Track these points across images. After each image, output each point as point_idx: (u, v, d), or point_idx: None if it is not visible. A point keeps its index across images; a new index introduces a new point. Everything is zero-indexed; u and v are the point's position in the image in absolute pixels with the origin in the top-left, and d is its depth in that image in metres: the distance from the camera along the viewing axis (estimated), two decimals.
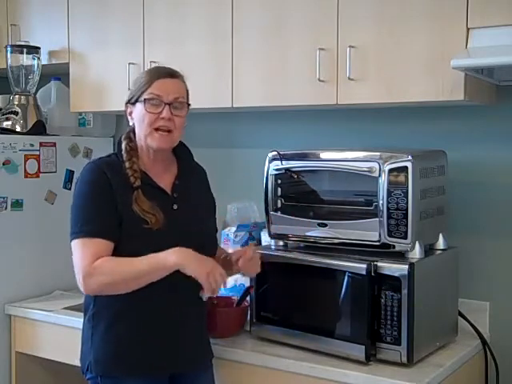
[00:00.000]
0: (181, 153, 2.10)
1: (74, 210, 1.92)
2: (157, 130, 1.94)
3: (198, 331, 2.06)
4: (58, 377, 2.90)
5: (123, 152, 1.98)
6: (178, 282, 1.89)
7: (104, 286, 1.85)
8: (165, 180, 2.01)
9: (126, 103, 2.00)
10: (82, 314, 2.03)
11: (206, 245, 2.01)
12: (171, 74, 1.99)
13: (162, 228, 1.91)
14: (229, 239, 2.60)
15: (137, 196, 1.92)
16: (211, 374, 2.11)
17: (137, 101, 1.95)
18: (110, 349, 1.94)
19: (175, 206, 1.99)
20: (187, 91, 2.04)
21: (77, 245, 1.87)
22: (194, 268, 1.84)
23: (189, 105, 2.02)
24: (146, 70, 2.02)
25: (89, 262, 1.83)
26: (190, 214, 2.01)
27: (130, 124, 2.00)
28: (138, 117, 1.95)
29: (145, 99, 1.93)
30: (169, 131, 1.95)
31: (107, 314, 1.94)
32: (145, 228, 1.90)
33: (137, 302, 1.89)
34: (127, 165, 1.95)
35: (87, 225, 1.88)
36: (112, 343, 1.94)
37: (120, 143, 2.00)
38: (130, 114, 1.99)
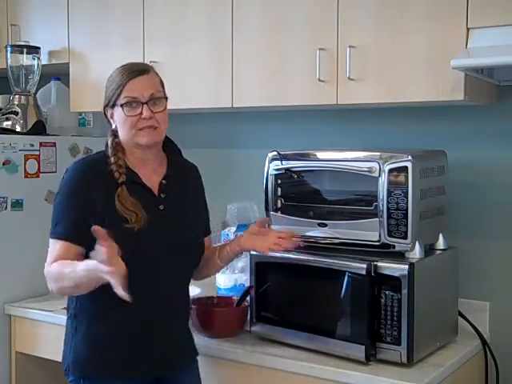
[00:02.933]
0: (169, 150, 2.05)
1: (55, 208, 1.94)
2: (141, 129, 1.91)
3: (181, 331, 2.03)
4: (58, 377, 2.88)
5: (109, 148, 1.95)
6: (159, 281, 1.89)
7: (55, 289, 1.86)
8: (153, 181, 1.97)
9: (105, 107, 1.97)
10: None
11: (191, 249, 2.00)
12: (142, 70, 1.93)
13: (144, 228, 1.86)
14: (229, 239, 2.60)
15: (120, 192, 1.88)
16: (196, 370, 2.08)
17: (114, 105, 1.92)
18: (90, 350, 1.90)
19: (161, 207, 1.95)
20: (162, 83, 1.99)
21: (51, 245, 1.90)
22: (94, 273, 1.73)
23: (166, 98, 1.97)
24: (116, 69, 1.96)
25: (47, 264, 1.87)
26: (176, 215, 1.97)
27: (113, 127, 1.97)
28: (120, 120, 1.93)
29: (121, 104, 1.90)
30: (154, 128, 1.92)
31: (87, 314, 1.91)
32: (125, 227, 1.85)
33: (117, 301, 1.65)
34: (112, 160, 1.92)
35: (56, 226, 1.90)
36: (91, 344, 1.90)
37: (107, 140, 1.98)
38: (112, 116, 1.96)
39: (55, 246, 1.87)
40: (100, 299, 1.83)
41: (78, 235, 1.85)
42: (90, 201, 1.86)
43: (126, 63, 1.97)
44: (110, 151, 1.95)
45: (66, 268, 1.80)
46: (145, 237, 1.87)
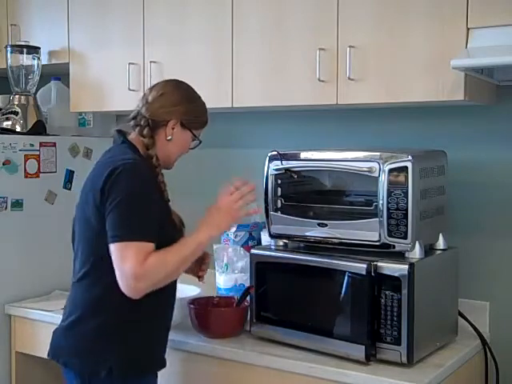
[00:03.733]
0: None
1: (124, 211, 1.83)
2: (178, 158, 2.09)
3: None
4: (58, 377, 2.89)
5: (155, 162, 1.98)
6: (175, 292, 2.06)
7: (160, 278, 1.86)
8: None
9: (178, 120, 2.00)
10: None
11: None
12: None
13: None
14: (229, 239, 2.60)
15: (170, 209, 2.02)
16: None
17: (186, 126, 2.02)
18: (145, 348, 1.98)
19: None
20: None
21: (130, 247, 1.80)
22: (222, 228, 2.02)
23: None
24: (204, 104, 2.11)
25: (136, 264, 1.79)
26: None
27: (168, 138, 2.00)
28: (181, 141, 2.04)
29: (195, 135, 2.07)
30: None
31: (123, 325, 1.93)
32: (175, 236, 1.96)
33: (150, 313, 1.95)
34: (161, 178, 1.99)
35: (141, 227, 1.84)
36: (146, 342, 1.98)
37: (148, 148, 1.98)
38: (173, 128, 2.00)
39: (142, 248, 1.81)
40: (136, 312, 1.91)
41: (156, 237, 1.86)
42: (159, 203, 1.93)
43: (202, 99, 2.11)
44: (155, 161, 1.98)
45: (174, 248, 1.89)
46: None
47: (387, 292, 1.99)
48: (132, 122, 2.02)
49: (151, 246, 1.83)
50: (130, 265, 1.78)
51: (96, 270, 1.90)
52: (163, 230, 1.89)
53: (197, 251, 1.94)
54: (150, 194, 1.88)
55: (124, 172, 1.85)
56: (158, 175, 1.98)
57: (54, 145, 2.96)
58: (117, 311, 1.90)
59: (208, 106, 2.62)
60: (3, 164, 2.77)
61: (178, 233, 2.01)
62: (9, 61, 3.03)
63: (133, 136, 2.02)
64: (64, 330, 1.99)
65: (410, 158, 2.01)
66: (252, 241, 2.60)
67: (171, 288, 1.99)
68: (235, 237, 2.58)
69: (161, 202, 1.95)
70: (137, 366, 1.95)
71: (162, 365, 2.04)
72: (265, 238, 2.51)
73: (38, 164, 2.89)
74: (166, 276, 1.87)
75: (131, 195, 1.84)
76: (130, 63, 2.76)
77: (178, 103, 2.01)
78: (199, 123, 2.08)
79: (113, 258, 1.82)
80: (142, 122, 1.99)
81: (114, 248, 1.82)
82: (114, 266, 1.82)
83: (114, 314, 1.91)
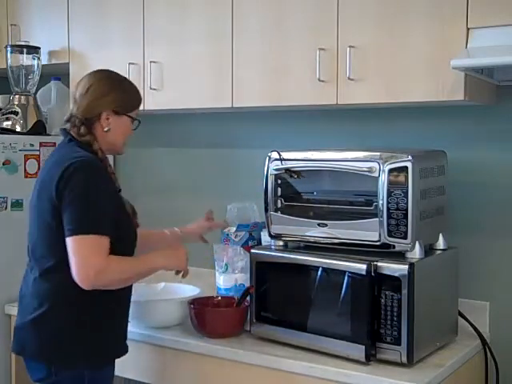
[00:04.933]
0: None
1: (81, 205, 1.90)
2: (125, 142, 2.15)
3: None
4: None
5: (99, 151, 2.04)
6: None
7: (114, 282, 1.95)
8: None
9: (110, 110, 2.04)
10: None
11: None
12: None
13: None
14: (229, 239, 2.60)
15: (123, 199, 2.08)
16: None
17: (120, 113, 2.06)
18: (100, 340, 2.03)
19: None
20: None
21: (89, 241, 1.88)
22: (174, 265, 2.13)
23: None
24: (129, 81, 2.14)
25: (102, 259, 1.89)
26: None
27: (105, 130, 2.04)
28: (120, 127, 2.07)
29: (133, 118, 2.10)
30: None
31: (97, 311, 2.01)
32: (132, 231, 2.09)
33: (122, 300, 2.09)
34: (110, 169, 2.06)
35: (95, 222, 1.90)
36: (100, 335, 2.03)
37: (90, 144, 2.03)
38: (108, 119, 2.05)
39: (101, 242, 1.90)
40: (104, 304, 2.00)
41: (112, 230, 1.93)
42: (113, 197, 2.00)
43: (128, 79, 2.15)
44: (100, 154, 2.04)
45: (135, 261, 2.05)
46: (134, 239, 2.11)
47: (387, 292, 1.99)
48: (68, 125, 2.06)
49: (107, 240, 1.91)
50: (96, 258, 1.88)
51: (63, 264, 1.92)
52: (120, 220, 1.99)
53: (149, 272, 2.06)
54: (105, 188, 1.95)
55: (78, 169, 1.91)
56: (106, 167, 2.03)
57: (54, 145, 2.95)
58: (85, 303, 1.96)
59: (208, 105, 2.63)
60: (3, 164, 2.77)
61: (131, 221, 2.09)
62: (9, 61, 3.03)
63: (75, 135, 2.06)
64: (31, 324, 2.02)
65: (409, 157, 2.01)
66: (252, 241, 2.60)
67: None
68: (235, 237, 2.58)
69: (114, 194, 2.02)
70: (104, 355, 2.04)
71: (125, 351, 2.12)
72: (265, 238, 2.51)
73: (38, 164, 2.89)
74: (119, 280, 1.97)
75: (87, 190, 1.90)
76: (129, 63, 2.76)
77: (105, 94, 2.04)
78: (132, 105, 2.11)
79: (71, 249, 1.88)
80: (77, 122, 2.04)
81: (71, 241, 1.88)
82: (71, 257, 1.88)
83: (82, 307, 1.97)
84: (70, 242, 1.88)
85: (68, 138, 2.05)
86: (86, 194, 1.90)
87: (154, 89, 2.71)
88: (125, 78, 2.13)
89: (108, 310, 2.02)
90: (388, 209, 2.03)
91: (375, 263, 2.01)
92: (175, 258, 2.13)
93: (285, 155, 2.27)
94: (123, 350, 2.11)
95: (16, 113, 2.96)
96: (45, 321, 1.99)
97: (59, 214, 1.91)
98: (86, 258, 1.87)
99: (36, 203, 2.02)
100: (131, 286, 2.10)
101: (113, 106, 2.04)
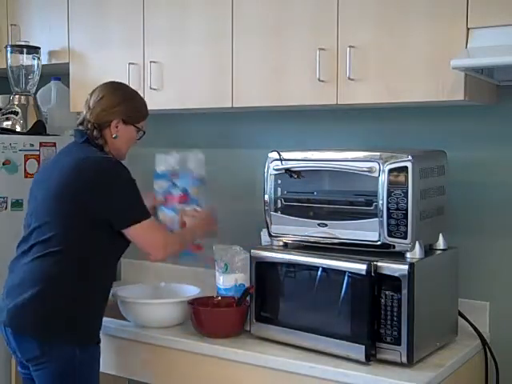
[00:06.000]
0: None
1: (131, 196, 2.14)
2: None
3: None
4: None
5: (112, 156, 2.24)
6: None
7: (174, 251, 2.30)
8: None
9: (120, 119, 2.22)
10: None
11: None
12: None
13: None
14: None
15: None
16: None
17: (129, 123, 2.25)
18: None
19: None
20: None
21: (150, 224, 2.17)
22: (208, 229, 2.43)
23: None
24: (139, 95, 2.34)
25: (165, 234, 2.26)
26: None
27: (114, 136, 2.23)
28: (126, 136, 2.26)
29: (138, 129, 2.29)
30: None
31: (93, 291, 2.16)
32: None
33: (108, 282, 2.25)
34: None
35: (146, 208, 2.18)
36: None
37: (102, 147, 2.23)
38: (117, 127, 2.23)
39: (155, 221, 2.25)
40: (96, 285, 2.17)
41: None
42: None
43: (139, 94, 2.36)
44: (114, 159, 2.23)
45: (181, 234, 2.39)
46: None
47: (387, 292, 1.99)
48: (81, 127, 2.25)
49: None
50: (161, 235, 2.22)
51: (69, 249, 2.10)
52: None
53: (191, 241, 2.39)
54: (133, 180, 2.18)
55: (111, 166, 2.15)
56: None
57: (54, 145, 2.96)
58: (79, 284, 2.10)
59: (208, 106, 2.63)
60: (3, 164, 2.77)
61: None
62: (9, 61, 3.03)
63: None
64: (28, 302, 2.07)
65: (409, 158, 2.01)
66: (174, 187, 2.52)
67: (115, 267, 2.30)
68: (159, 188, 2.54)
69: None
70: (96, 335, 2.18)
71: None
72: (265, 238, 2.51)
73: (38, 164, 2.89)
74: (176, 250, 2.31)
75: (128, 182, 2.15)
76: (130, 63, 2.76)
77: (118, 104, 2.23)
78: (140, 117, 2.30)
79: (139, 234, 2.15)
80: (89, 126, 2.22)
81: (138, 227, 2.13)
82: (141, 241, 2.16)
83: (76, 287, 2.09)
84: (136, 228, 2.12)
85: (85, 139, 2.22)
86: (131, 185, 2.14)
87: (154, 89, 2.71)
88: (136, 93, 2.33)
89: (97, 294, 2.18)
90: (388, 209, 2.03)
91: (375, 263, 2.01)
92: (205, 224, 2.43)
93: (285, 155, 2.27)
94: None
95: (16, 113, 2.96)
96: (41, 299, 2.06)
97: (86, 208, 2.09)
98: (155, 237, 2.18)
99: (56, 192, 2.13)
100: (113, 277, 2.28)
101: (123, 115, 2.23)
